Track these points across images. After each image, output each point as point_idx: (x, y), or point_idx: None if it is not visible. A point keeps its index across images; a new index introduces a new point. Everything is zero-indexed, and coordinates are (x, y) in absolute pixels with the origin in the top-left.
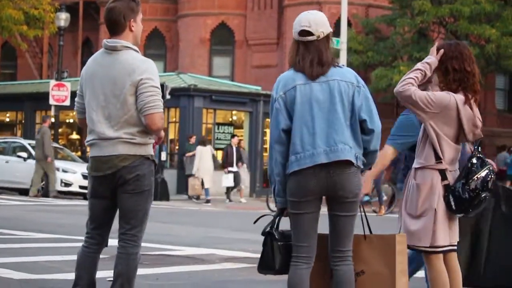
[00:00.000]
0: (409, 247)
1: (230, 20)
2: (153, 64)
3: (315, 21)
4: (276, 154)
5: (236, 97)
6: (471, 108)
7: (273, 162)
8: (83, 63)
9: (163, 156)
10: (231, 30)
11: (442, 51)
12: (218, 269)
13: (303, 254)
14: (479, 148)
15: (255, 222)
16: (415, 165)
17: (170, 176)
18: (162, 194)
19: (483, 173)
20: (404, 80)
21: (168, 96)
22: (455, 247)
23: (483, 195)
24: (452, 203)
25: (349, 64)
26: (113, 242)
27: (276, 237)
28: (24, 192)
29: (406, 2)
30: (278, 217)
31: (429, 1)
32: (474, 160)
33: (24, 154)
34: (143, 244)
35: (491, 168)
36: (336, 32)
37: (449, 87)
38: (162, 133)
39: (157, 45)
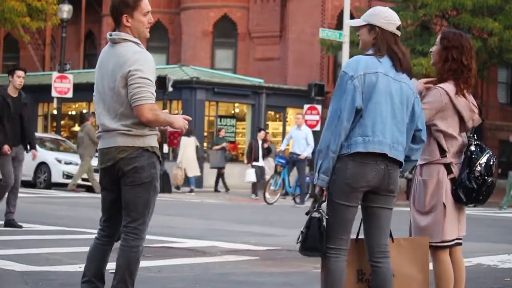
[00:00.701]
0: (437, 247)
1: (232, 12)
2: (146, 55)
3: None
4: (341, 130)
5: (239, 90)
6: (464, 96)
7: (333, 137)
8: (86, 55)
9: (165, 148)
10: (233, 23)
11: (429, 81)
12: (220, 261)
13: (344, 247)
14: (475, 135)
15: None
16: (420, 162)
17: (172, 168)
18: (163, 186)
19: (484, 159)
20: None
21: (170, 89)
22: (461, 241)
23: (489, 180)
24: (462, 195)
25: (351, 57)
26: None
27: (325, 219)
28: (26, 184)
29: None
30: (321, 198)
31: None
32: (473, 148)
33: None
34: (145, 237)
35: (491, 153)
36: (339, 25)
37: (442, 74)
38: (186, 124)
39: (159, 37)
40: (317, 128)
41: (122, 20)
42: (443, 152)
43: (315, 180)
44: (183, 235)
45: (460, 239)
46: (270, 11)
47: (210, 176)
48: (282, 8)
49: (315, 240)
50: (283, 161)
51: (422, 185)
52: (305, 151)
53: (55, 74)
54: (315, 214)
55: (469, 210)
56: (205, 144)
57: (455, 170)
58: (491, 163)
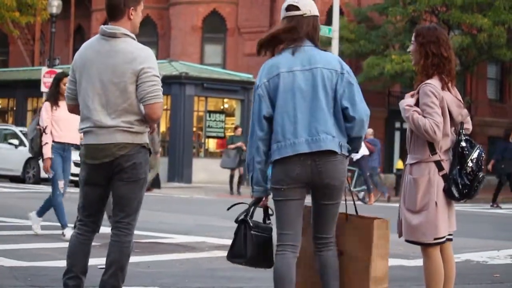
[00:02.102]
0: (412, 242)
1: (222, 7)
2: (152, 53)
3: (303, 0)
4: (258, 141)
5: (228, 85)
6: (449, 90)
7: (254, 149)
8: (75, 50)
9: None
10: (223, 18)
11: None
12: (209, 257)
13: (289, 242)
14: (462, 129)
15: (228, 209)
16: (409, 161)
17: (161, 164)
18: (153, 182)
19: (475, 154)
20: (431, 127)
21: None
22: (452, 236)
23: (480, 176)
24: (455, 191)
25: (341, 53)
26: (104, 229)
27: (251, 225)
28: (15, 179)
29: None
30: (253, 206)
31: None
32: (463, 144)
33: (16, 141)
34: (134, 232)
35: (481, 148)
36: (328, 21)
37: (426, 71)
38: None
39: (149, 32)
40: None
41: (128, 13)
42: (433, 150)
43: (251, 192)
44: (172, 231)
45: (451, 234)
46: (259, 6)
47: (199, 171)
48: (271, 3)
49: (240, 245)
50: None
51: (413, 183)
52: None
53: (44, 69)
54: (242, 217)
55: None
56: (194, 139)
57: (446, 166)
58: (481, 158)
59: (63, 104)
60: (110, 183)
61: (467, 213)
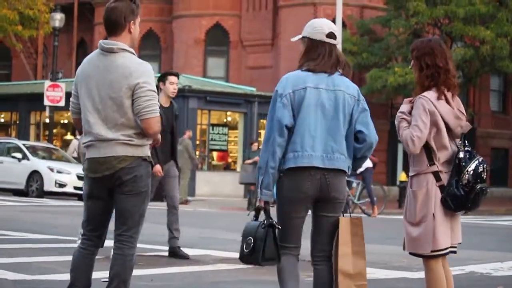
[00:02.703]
0: (414, 254)
1: (224, 20)
2: (150, 67)
3: (335, 29)
4: (276, 147)
5: (231, 98)
6: (447, 102)
7: (269, 154)
8: (78, 64)
9: None
10: (225, 31)
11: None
12: (213, 270)
13: (292, 252)
14: (466, 141)
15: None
16: (410, 173)
17: None
18: (156, 194)
19: (472, 165)
20: (406, 138)
21: None
22: (455, 249)
23: (478, 187)
24: (450, 203)
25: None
26: (108, 243)
27: (279, 227)
28: (18, 192)
29: (401, 3)
30: (267, 210)
31: (424, 2)
32: (461, 155)
33: (19, 155)
34: (138, 245)
35: (480, 159)
36: None
37: (422, 84)
38: (159, 136)
39: (152, 45)
40: None
41: (129, 27)
42: (430, 160)
43: (259, 195)
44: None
45: (455, 247)
46: (262, 19)
47: (203, 184)
48: (274, 16)
49: (272, 248)
50: None
51: (412, 196)
52: None
53: (47, 82)
54: (270, 222)
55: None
56: (197, 153)
57: (444, 178)
58: (480, 170)
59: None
60: (112, 196)
61: (470, 225)
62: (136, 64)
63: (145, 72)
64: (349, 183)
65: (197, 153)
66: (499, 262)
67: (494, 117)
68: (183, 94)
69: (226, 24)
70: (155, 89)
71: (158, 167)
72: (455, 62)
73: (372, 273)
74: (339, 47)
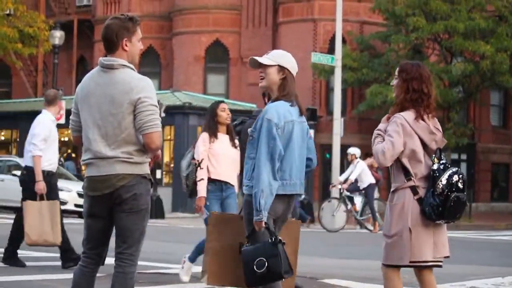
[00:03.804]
0: (392, 266)
1: (224, 37)
2: (150, 82)
3: None
4: (276, 173)
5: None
6: (424, 121)
7: (273, 177)
8: (78, 81)
9: (158, 174)
10: (225, 48)
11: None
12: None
13: None
14: (440, 155)
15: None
16: (391, 189)
17: (165, 194)
18: (157, 212)
19: (446, 175)
20: (377, 151)
21: (163, 114)
22: (441, 263)
23: (453, 196)
24: (429, 213)
25: (344, 81)
26: (109, 260)
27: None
28: (19, 210)
29: (401, 18)
30: (271, 228)
31: (424, 17)
32: (435, 167)
33: (19, 173)
34: (138, 263)
35: (455, 170)
36: (331, 49)
37: (403, 105)
38: (159, 152)
39: (152, 63)
40: None
41: (122, 44)
42: (407, 175)
43: (258, 217)
44: (177, 261)
45: (440, 261)
46: (262, 36)
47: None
48: (273, 32)
49: (286, 261)
50: None
51: (389, 210)
52: None
53: None
54: (279, 239)
55: (462, 233)
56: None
57: (422, 192)
58: (455, 179)
59: (222, 137)
60: (112, 214)
61: (471, 240)
62: (137, 79)
63: (146, 87)
64: (351, 199)
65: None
66: (500, 277)
67: (494, 132)
68: (183, 111)
69: (226, 41)
70: (156, 104)
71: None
72: (456, 77)
73: None
74: (339, 63)
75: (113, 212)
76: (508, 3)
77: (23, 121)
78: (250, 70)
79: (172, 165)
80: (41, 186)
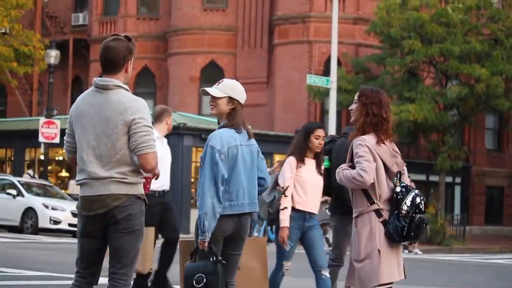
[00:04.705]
0: None
1: (220, 58)
2: (145, 103)
3: None
4: (219, 194)
5: None
6: (384, 144)
7: (216, 201)
8: (73, 101)
9: None
10: (221, 69)
11: None
12: None
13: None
14: (400, 178)
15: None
16: (354, 214)
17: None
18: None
19: (409, 197)
20: (354, 175)
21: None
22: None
23: (417, 217)
24: (394, 235)
25: (339, 104)
26: (102, 280)
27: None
28: (13, 229)
29: (396, 41)
30: (213, 249)
31: (419, 40)
32: (398, 189)
33: (14, 192)
34: (131, 283)
35: (417, 192)
36: (326, 71)
37: (363, 129)
38: (158, 171)
39: (147, 83)
40: None
41: (126, 66)
42: (369, 199)
43: (202, 237)
44: (172, 282)
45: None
46: (257, 57)
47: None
48: (269, 54)
49: (223, 283)
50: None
51: (356, 234)
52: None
53: (42, 119)
54: (219, 263)
55: (456, 257)
56: (193, 191)
57: (386, 214)
58: (418, 201)
59: (309, 162)
60: (106, 234)
61: (465, 264)
62: (131, 100)
63: (140, 108)
64: None
65: (193, 190)
66: None
67: (489, 156)
68: (178, 131)
69: (221, 61)
70: (151, 124)
71: None
72: (451, 100)
73: None
74: (334, 85)
75: (107, 232)
76: (504, 26)
77: (17, 140)
78: (245, 91)
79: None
80: None
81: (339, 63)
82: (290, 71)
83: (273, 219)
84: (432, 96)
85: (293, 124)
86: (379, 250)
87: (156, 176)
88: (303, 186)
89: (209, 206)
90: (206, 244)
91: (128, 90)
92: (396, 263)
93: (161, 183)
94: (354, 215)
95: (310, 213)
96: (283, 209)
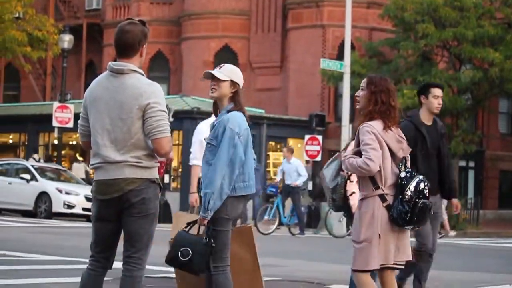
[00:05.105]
0: (360, 271)
1: (233, 43)
2: (160, 88)
3: None
4: (234, 176)
5: None
6: (391, 130)
7: (227, 182)
8: (87, 85)
9: (166, 178)
10: (234, 53)
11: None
12: None
13: (228, 263)
14: (406, 163)
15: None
16: (359, 197)
17: (173, 198)
18: (165, 216)
19: (413, 183)
20: (359, 163)
21: (171, 119)
22: (402, 266)
23: (420, 202)
24: (398, 219)
25: (352, 88)
26: (117, 264)
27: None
28: (27, 214)
29: (410, 25)
30: (210, 229)
31: (433, 24)
32: (402, 175)
33: (27, 176)
34: (147, 267)
35: (421, 177)
36: (340, 56)
37: (371, 115)
38: (172, 155)
39: (160, 67)
40: (318, 158)
41: (141, 50)
42: (375, 184)
43: (204, 214)
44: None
45: (402, 264)
46: (271, 42)
47: None
48: (282, 38)
49: (207, 264)
50: (274, 189)
51: (359, 217)
52: (298, 180)
53: (56, 104)
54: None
55: (470, 241)
56: None
57: (390, 199)
58: (421, 187)
59: None
60: (120, 218)
61: (479, 247)
62: (146, 84)
63: (155, 92)
64: None
65: None
66: (507, 285)
67: (503, 140)
68: (192, 116)
69: (235, 46)
70: (165, 109)
71: None
72: (464, 84)
73: None
74: (347, 69)
75: (122, 216)
76: None
77: (31, 124)
78: (259, 75)
79: (180, 170)
80: (192, 199)
81: (352, 47)
82: (304, 55)
83: (339, 205)
84: (445, 80)
85: (307, 108)
86: (379, 235)
87: (170, 160)
88: None
89: (217, 186)
90: (206, 222)
91: (143, 74)
92: (394, 246)
93: None
94: (359, 198)
95: None
96: (351, 195)
